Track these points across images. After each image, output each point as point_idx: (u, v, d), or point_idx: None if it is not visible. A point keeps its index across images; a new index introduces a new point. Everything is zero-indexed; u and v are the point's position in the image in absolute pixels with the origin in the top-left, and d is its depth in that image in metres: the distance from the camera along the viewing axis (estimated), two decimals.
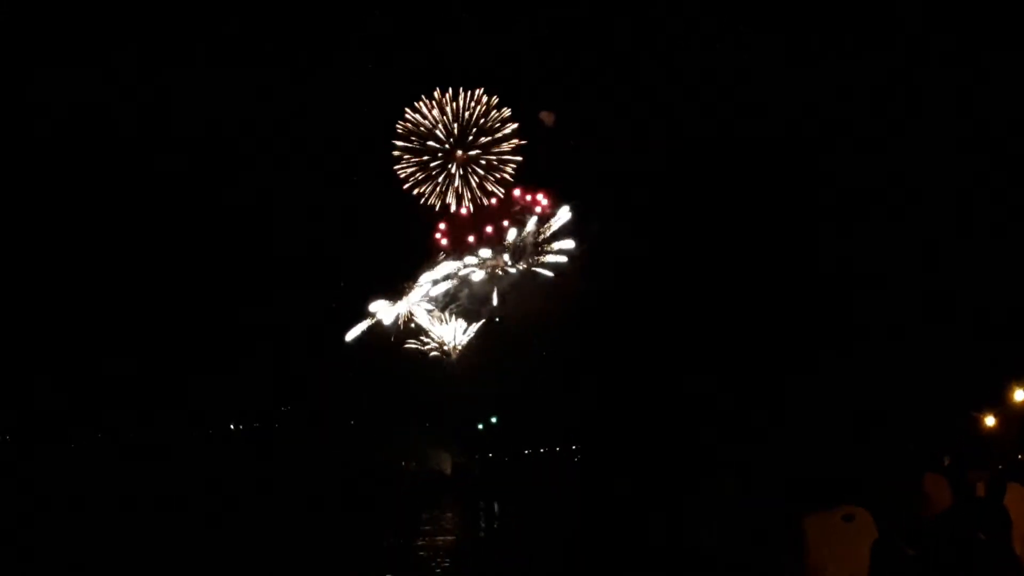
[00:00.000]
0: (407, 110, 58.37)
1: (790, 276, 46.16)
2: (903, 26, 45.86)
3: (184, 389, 52.88)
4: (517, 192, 58.81)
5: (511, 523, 37.71)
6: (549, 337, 54.03)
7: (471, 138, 58.49)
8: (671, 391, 45.55)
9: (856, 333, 42.86)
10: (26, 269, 52.04)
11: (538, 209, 58.86)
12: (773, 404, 38.88)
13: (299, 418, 56.60)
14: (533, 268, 58.13)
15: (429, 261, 58.88)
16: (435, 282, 58.64)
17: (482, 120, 58.37)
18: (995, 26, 42.74)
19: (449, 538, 29.00)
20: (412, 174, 58.46)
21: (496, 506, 43.73)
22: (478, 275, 58.57)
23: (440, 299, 58.67)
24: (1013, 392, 31.62)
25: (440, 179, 58.58)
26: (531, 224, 58.71)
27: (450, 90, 58.15)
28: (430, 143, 58.44)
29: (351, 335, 57.33)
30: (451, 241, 59.18)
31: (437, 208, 58.81)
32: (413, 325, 58.31)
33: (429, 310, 58.51)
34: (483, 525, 37.54)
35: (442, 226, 59.24)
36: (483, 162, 58.69)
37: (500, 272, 58.50)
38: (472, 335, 58.30)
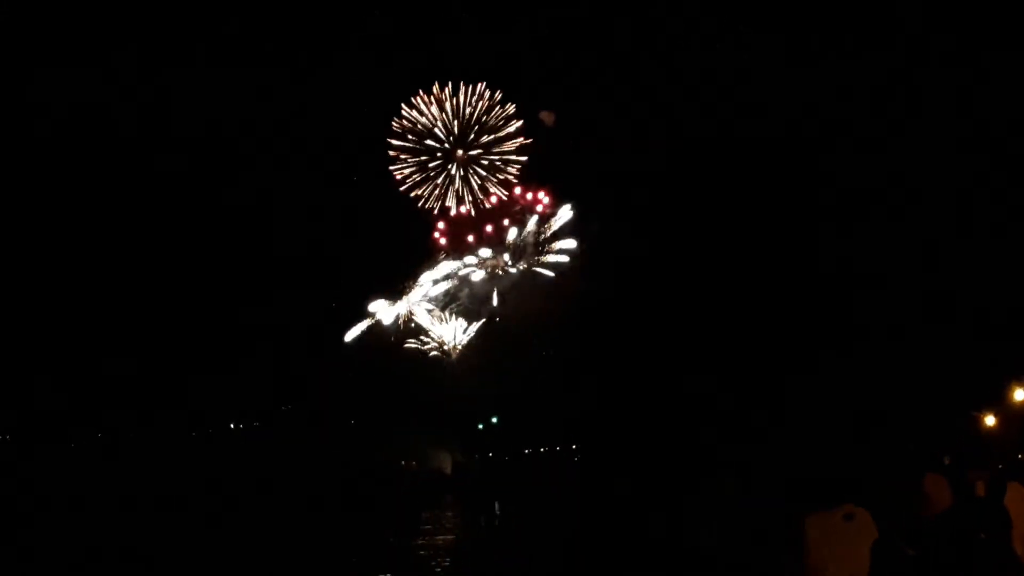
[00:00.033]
0: (403, 106, 56.85)
1: (790, 276, 46.18)
2: (903, 26, 45.91)
3: (184, 389, 52.90)
4: (518, 190, 57.75)
5: (511, 523, 37.72)
6: (549, 337, 54.00)
7: (472, 137, 57.00)
8: (671, 391, 45.56)
9: (856, 333, 42.88)
10: (26, 269, 52.10)
11: (539, 208, 57.95)
12: (773, 404, 38.90)
13: (299, 418, 56.55)
14: (534, 268, 57.47)
15: (429, 260, 58.27)
16: (435, 281, 58.11)
17: (484, 117, 56.75)
18: (995, 26, 42.78)
19: (449, 537, 29.00)
20: (410, 175, 57.20)
21: (496, 505, 43.74)
22: (478, 275, 58.05)
23: (440, 298, 58.19)
24: (1013, 392, 31.68)
25: (439, 180, 57.34)
26: (532, 223, 57.85)
27: (450, 84, 56.58)
28: (429, 142, 57.03)
29: (351, 335, 56.94)
30: (450, 240, 58.39)
31: (436, 211, 57.82)
32: (413, 324, 57.88)
33: (429, 309, 58.08)
34: (483, 524, 37.51)
35: (441, 225, 58.38)
36: (485, 162, 57.35)
37: (500, 272, 58.01)
38: (472, 335, 57.89)
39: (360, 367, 55.34)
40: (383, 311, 57.54)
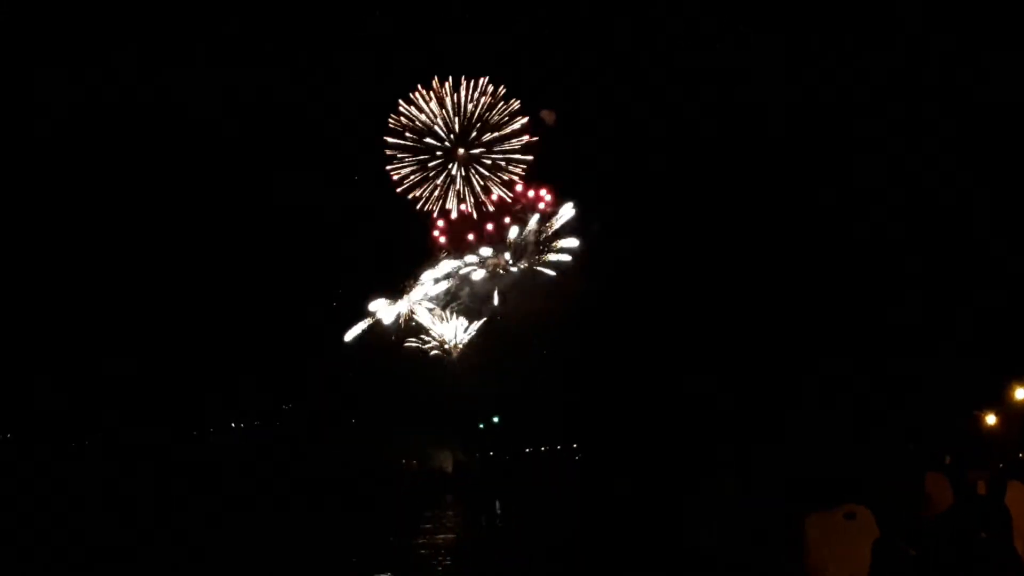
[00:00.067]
0: (401, 103, 55.09)
1: (790, 276, 46.19)
2: (903, 26, 45.90)
3: (184, 389, 52.91)
4: (519, 188, 56.70)
5: (512, 522, 37.71)
6: (549, 336, 53.90)
7: (474, 134, 55.38)
8: (671, 391, 45.57)
9: (857, 333, 42.90)
10: (26, 269, 52.12)
11: (541, 206, 57.00)
12: (773, 404, 38.91)
13: (299, 418, 56.52)
14: (535, 267, 56.83)
15: (430, 259, 57.75)
16: (436, 280, 57.68)
17: (487, 114, 55.02)
18: (995, 26, 42.77)
19: (450, 536, 29.01)
20: (408, 175, 55.76)
21: (497, 505, 43.75)
22: (479, 273, 57.56)
23: (441, 297, 57.80)
24: (1014, 391, 31.69)
25: (439, 180, 55.96)
26: (533, 222, 57.02)
27: (450, 79, 54.74)
28: (428, 140, 55.43)
29: (351, 335, 56.56)
30: (451, 239, 57.63)
31: (436, 213, 56.74)
32: (414, 323, 57.63)
33: (430, 308, 57.73)
34: (484, 524, 37.52)
35: (441, 223, 57.50)
36: (487, 161, 55.83)
37: (501, 271, 57.60)
38: (473, 334, 57.58)
39: (360, 367, 55.26)
40: (383, 310, 57.31)
